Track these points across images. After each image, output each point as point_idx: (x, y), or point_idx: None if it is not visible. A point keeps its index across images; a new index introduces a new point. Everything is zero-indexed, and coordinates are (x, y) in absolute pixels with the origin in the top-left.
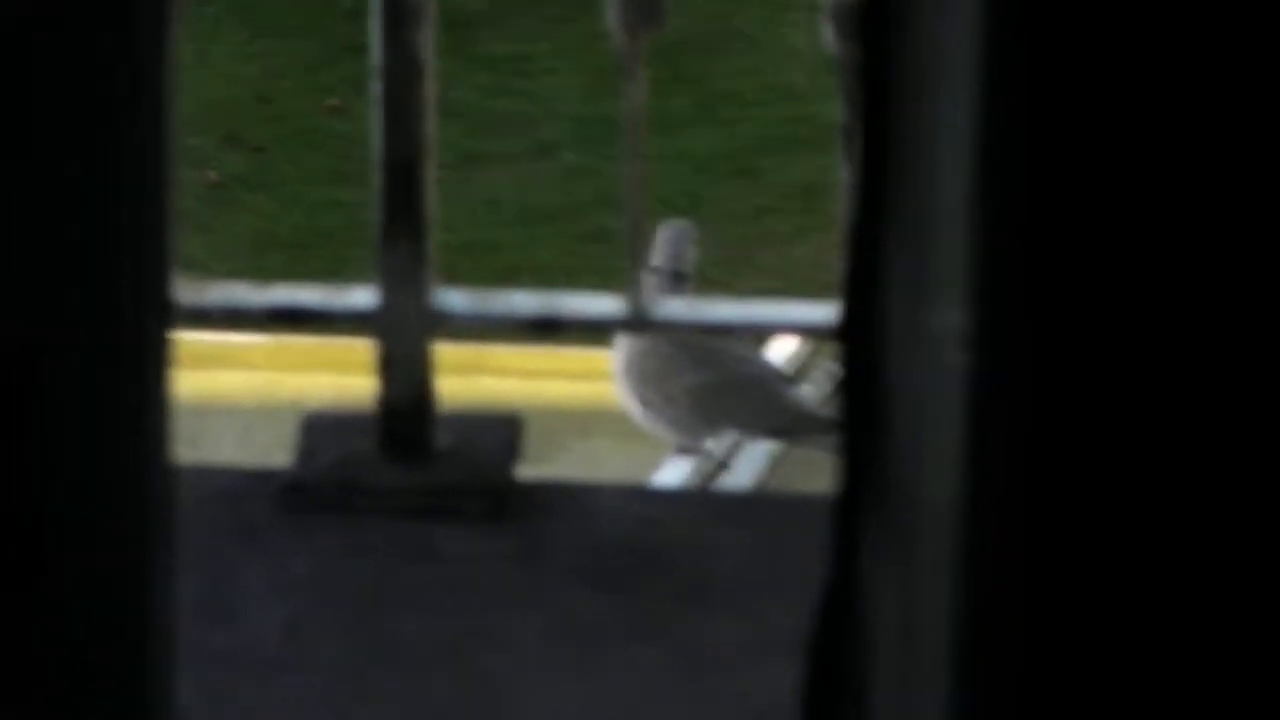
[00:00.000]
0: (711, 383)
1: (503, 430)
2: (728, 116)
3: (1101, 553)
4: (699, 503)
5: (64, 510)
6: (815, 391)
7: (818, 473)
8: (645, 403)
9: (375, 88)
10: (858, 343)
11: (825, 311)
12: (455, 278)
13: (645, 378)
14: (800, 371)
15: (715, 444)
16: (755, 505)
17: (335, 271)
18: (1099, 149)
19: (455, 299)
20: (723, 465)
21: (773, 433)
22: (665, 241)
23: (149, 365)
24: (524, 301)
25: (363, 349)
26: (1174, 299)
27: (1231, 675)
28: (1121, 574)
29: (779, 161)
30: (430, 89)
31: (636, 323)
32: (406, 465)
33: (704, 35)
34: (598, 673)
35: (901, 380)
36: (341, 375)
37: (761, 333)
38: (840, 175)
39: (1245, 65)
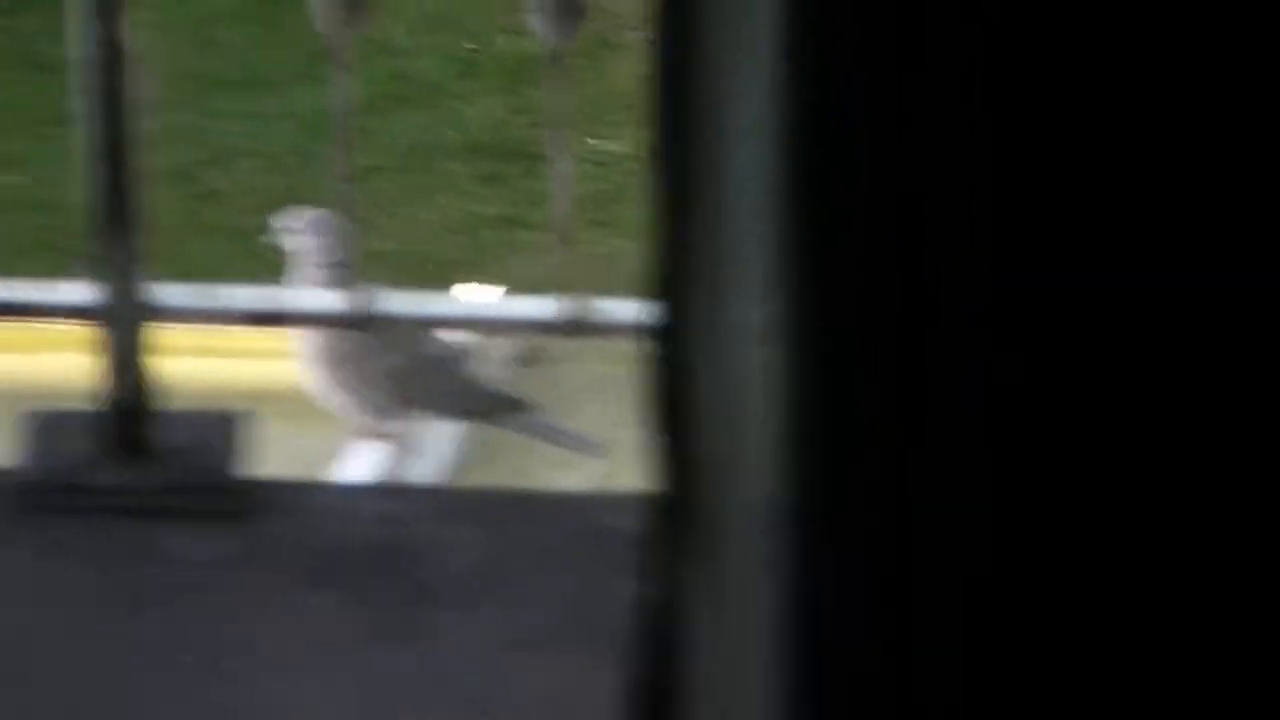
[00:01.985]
0: (406, 365)
1: (223, 427)
2: (327, 74)
3: (914, 560)
4: (429, 499)
5: None
6: (496, 373)
7: (503, 453)
8: (341, 387)
9: (80, 77)
10: (664, 343)
11: (542, 307)
12: None
13: (340, 361)
14: (476, 352)
15: (400, 427)
16: (485, 501)
17: None
18: (894, 134)
19: (172, 292)
20: (410, 449)
21: (462, 414)
22: (315, 234)
23: None
24: (242, 295)
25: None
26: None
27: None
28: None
29: (382, 121)
30: (134, 79)
31: (359, 318)
32: (128, 463)
33: None
34: (335, 676)
35: (708, 380)
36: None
37: (484, 328)
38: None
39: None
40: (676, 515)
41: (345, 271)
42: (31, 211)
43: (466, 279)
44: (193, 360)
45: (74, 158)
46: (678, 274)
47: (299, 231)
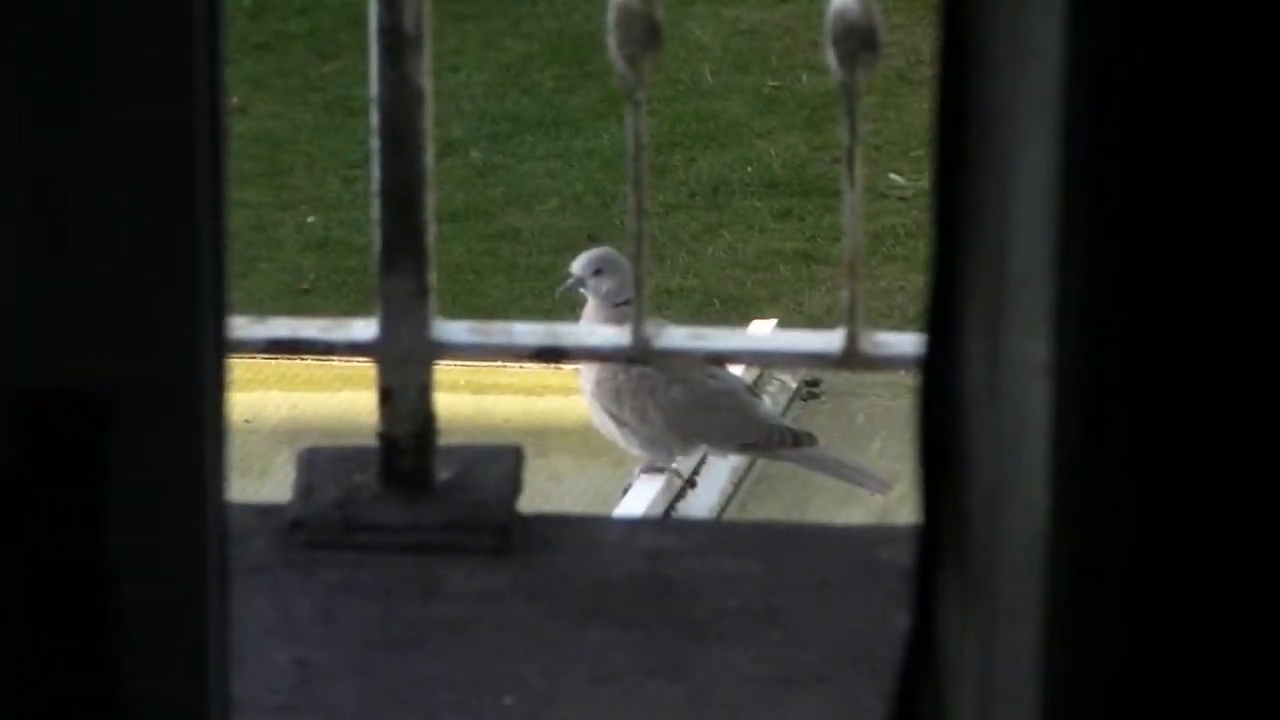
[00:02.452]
0: (685, 400)
1: (504, 462)
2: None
3: (1190, 599)
4: (705, 533)
5: (124, 558)
6: (773, 406)
7: (781, 488)
8: (619, 421)
9: (374, 117)
10: (936, 381)
11: (824, 340)
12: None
13: (619, 396)
14: (756, 386)
15: (681, 461)
16: (763, 535)
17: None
18: (1180, 182)
19: (456, 330)
20: (690, 483)
21: (744, 448)
22: (604, 273)
23: (208, 409)
24: (525, 332)
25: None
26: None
27: None
28: (1207, 619)
29: (685, 158)
30: (429, 118)
31: (639, 354)
32: (408, 500)
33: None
34: (612, 711)
35: (984, 414)
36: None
37: (764, 361)
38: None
39: None
40: (950, 549)
41: (634, 308)
42: (327, 251)
43: (762, 314)
44: (478, 396)
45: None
46: (957, 308)
47: (594, 270)
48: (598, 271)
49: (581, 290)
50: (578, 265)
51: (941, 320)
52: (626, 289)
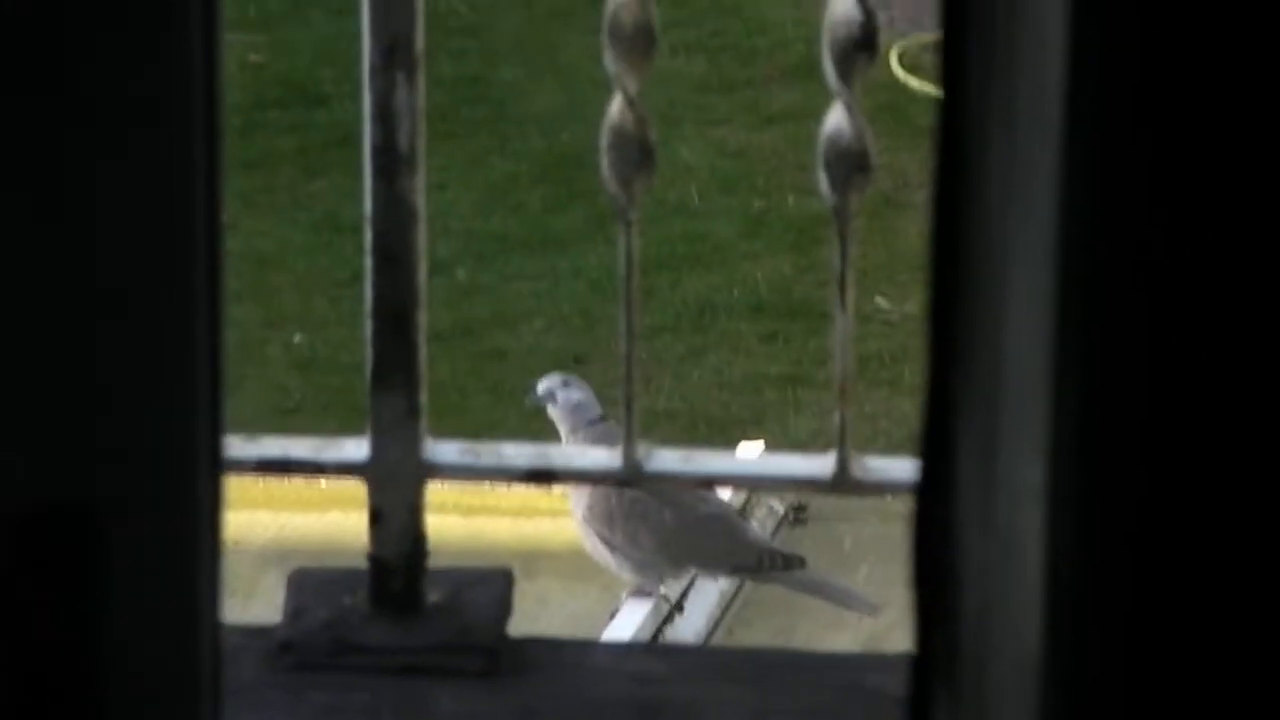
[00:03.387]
0: (677, 523)
1: (494, 585)
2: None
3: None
4: (693, 659)
5: (117, 680)
6: (762, 530)
7: (769, 612)
8: (611, 545)
9: (367, 236)
10: (929, 505)
11: (816, 465)
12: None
13: (611, 520)
14: (744, 509)
15: (670, 585)
16: (752, 661)
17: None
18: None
19: (447, 450)
20: (678, 607)
21: (734, 570)
22: (570, 394)
23: (203, 519)
24: (516, 453)
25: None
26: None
27: None
28: None
29: (671, 279)
30: (422, 237)
31: (631, 475)
32: (398, 621)
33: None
34: None
35: (977, 538)
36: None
37: (755, 485)
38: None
39: None
40: (943, 674)
41: (602, 430)
42: (313, 369)
43: (748, 437)
44: (467, 518)
45: (360, 317)
46: (951, 431)
47: (550, 395)
48: (552, 397)
49: (550, 405)
50: (540, 386)
51: (935, 443)
52: (588, 411)
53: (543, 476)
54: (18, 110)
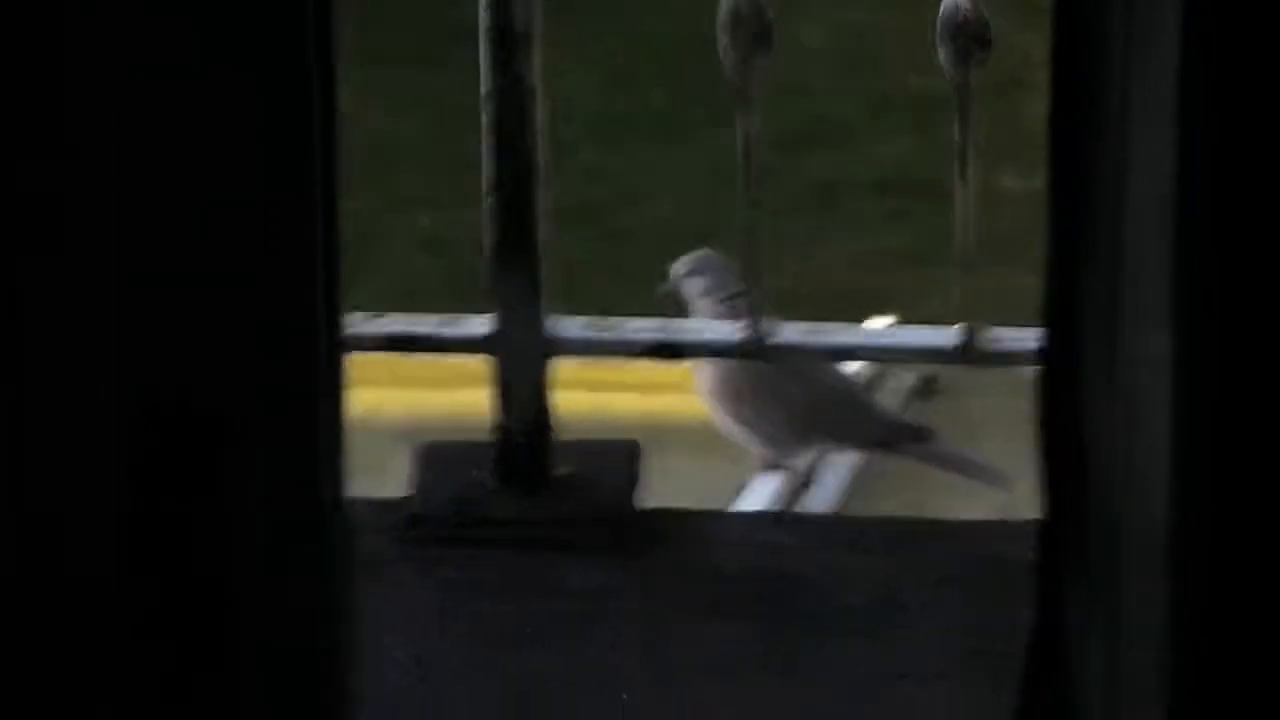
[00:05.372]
0: (804, 397)
1: (621, 457)
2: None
3: None
4: (824, 529)
5: (247, 560)
6: (891, 402)
7: (898, 485)
8: (741, 420)
9: (485, 114)
10: (1056, 375)
11: (942, 336)
12: None
13: (739, 394)
14: (872, 384)
15: (800, 459)
16: (883, 530)
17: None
18: None
19: (571, 325)
20: (807, 480)
21: (866, 444)
22: (705, 273)
23: (325, 407)
24: (640, 328)
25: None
26: None
27: None
28: None
29: (793, 160)
30: (540, 117)
31: (755, 349)
32: (525, 494)
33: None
34: (730, 706)
35: (1103, 409)
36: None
37: (881, 357)
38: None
39: None
40: (1072, 543)
41: (740, 308)
42: (438, 251)
43: (876, 313)
44: (592, 393)
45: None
46: (1075, 305)
47: (690, 272)
48: (694, 273)
49: (679, 293)
50: (676, 267)
51: (1059, 315)
52: (727, 286)
53: (667, 350)
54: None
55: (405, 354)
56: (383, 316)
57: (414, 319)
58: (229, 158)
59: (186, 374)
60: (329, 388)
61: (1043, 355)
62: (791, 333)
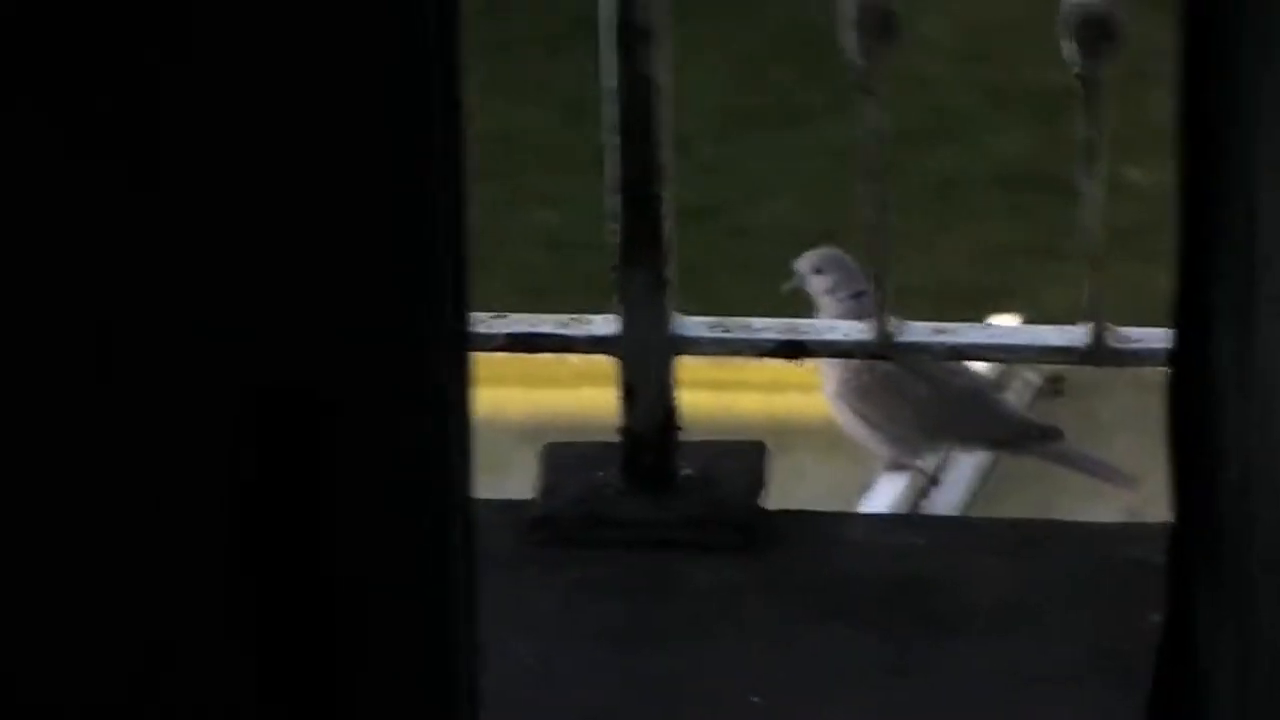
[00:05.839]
0: (932, 396)
1: (747, 458)
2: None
3: None
4: (952, 530)
5: (367, 558)
6: (1017, 402)
7: (1025, 485)
8: (868, 421)
9: (609, 111)
10: (1186, 373)
11: (1070, 335)
12: None
13: (866, 394)
14: (999, 382)
15: (926, 458)
16: (1011, 532)
17: None
18: None
19: (696, 325)
20: (935, 480)
21: (990, 444)
22: (830, 271)
23: (450, 395)
24: (766, 328)
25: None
26: None
27: None
28: None
29: (916, 153)
30: (666, 112)
31: (882, 347)
32: (651, 496)
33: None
34: (858, 709)
35: (1236, 408)
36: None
37: (1008, 357)
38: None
39: None
40: (1202, 544)
41: (865, 305)
42: (561, 249)
43: (997, 310)
44: (717, 392)
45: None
46: (1206, 299)
47: (815, 270)
48: (818, 270)
49: (806, 289)
50: (800, 264)
51: (1191, 311)
52: (852, 283)
53: (793, 350)
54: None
55: (529, 353)
56: (506, 316)
57: (537, 318)
58: (351, 145)
59: (309, 364)
60: (454, 384)
61: (1173, 354)
62: (917, 332)
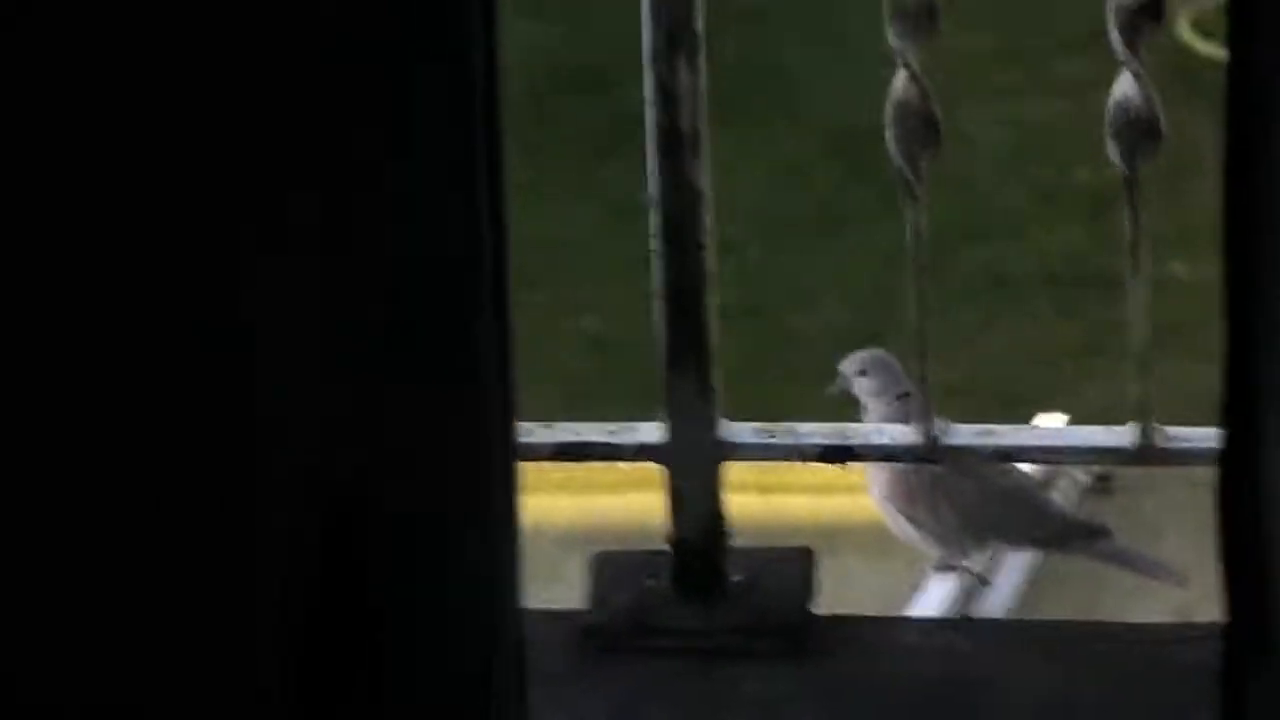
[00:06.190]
0: (979, 496)
1: (796, 564)
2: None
3: None
4: (1001, 633)
5: (409, 676)
6: (1064, 500)
7: (1074, 584)
8: (915, 522)
9: (653, 219)
10: (1235, 469)
11: (1117, 435)
12: None
13: (912, 495)
14: (1046, 481)
15: (975, 559)
16: (1061, 634)
17: None
18: None
19: (742, 431)
20: (984, 580)
21: (1039, 543)
22: (875, 374)
23: (500, 505)
24: (812, 432)
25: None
26: None
27: None
28: None
29: (961, 252)
30: (709, 218)
31: (929, 451)
32: (701, 603)
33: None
34: None
35: None
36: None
37: (1055, 458)
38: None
39: None
40: (1256, 646)
41: (911, 407)
42: (606, 353)
43: (1043, 409)
44: (764, 496)
45: (650, 300)
46: (1254, 399)
47: (859, 372)
48: (863, 373)
49: (851, 391)
50: (845, 366)
51: (1239, 411)
52: (897, 385)
53: (840, 454)
54: (303, 110)
55: (576, 462)
56: (553, 426)
57: (584, 427)
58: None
59: (359, 471)
60: (502, 493)
61: (1221, 451)
62: (964, 434)
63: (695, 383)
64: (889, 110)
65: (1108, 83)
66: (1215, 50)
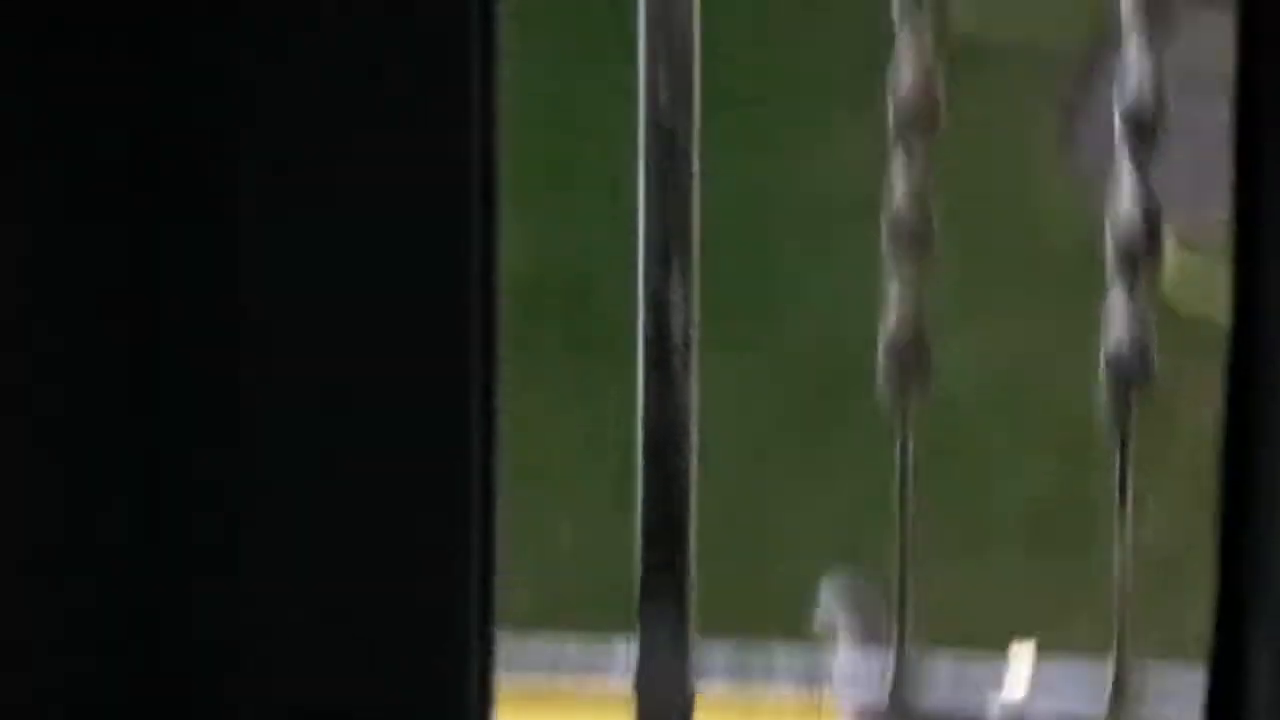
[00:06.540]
0: None
1: None
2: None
3: None
4: None
5: None
6: None
7: None
8: None
9: (639, 444)
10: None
11: (1095, 673)
12: None
13: None
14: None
15: None
16: None
17: None
18: None
19: (717, 658)
20: None
21: None
22: (851, 605)
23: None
24: (787, 664)
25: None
26: None
27: None
28: None
29: (941, 485)
30: (694, 446)
31: (900, 691)
32: None
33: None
34: None
35: None
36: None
37: (1035, 691)
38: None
39: None
40: None
41: (888, 638)
42: (583, 563)
43: (1019, 640)
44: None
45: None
46: (1242, 641)
47: (838, 601)
48: (839, 602)
49: (826, 621)
50: (823, 596)
51: (1228, 648)
52: (875, 617)
53: (813, 682)
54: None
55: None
56: (526, 642)
57: (559, 645)
58: (389, 466)
59: (337, 685)
60: (479, 712)
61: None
62: (940, 669)
63: (671, 610)
64: (883, 345)
65: (1092, 313)
66: (1195, 310)
